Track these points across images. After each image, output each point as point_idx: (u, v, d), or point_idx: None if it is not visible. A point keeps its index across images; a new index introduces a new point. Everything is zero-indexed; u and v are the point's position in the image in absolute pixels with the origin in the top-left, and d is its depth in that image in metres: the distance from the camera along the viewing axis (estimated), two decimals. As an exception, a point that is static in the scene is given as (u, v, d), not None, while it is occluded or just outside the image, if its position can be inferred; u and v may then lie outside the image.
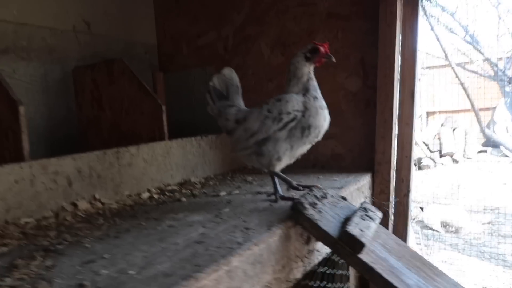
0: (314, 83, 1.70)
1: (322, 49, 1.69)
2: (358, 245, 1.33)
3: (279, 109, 1.63)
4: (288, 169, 2.35)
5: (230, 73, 1.85)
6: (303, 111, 1.63)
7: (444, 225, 7.38)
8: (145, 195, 1.99)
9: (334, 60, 1.69)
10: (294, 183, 1.76)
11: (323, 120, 1.66)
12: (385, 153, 2.33)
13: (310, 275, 1.78)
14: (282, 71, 2.66)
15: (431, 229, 7.26)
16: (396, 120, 2.36)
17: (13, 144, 1.65)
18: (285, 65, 2.55)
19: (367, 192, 2.29)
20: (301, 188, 1.75)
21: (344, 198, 1.71)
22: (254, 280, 1.24)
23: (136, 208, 1.77)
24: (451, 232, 7.21)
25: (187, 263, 1.08)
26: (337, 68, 2.50)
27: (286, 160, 1.69)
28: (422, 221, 7.55)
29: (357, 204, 2.03)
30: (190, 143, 2.42)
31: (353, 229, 1.37)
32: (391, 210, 2.37)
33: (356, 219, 1.46)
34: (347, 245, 1.35)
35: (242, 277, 1.17)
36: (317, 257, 1.61)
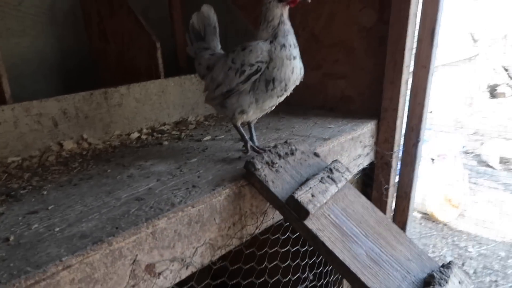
0: (285, 27, 1.51)
1: None
2: (302, 211, 1.28)
3: (242, 59, 1.50)
4: (292, 111, 2.23)
5: (208, 11, 1.70)
6: (268, 62, 1.49)
7: (504, 161, 6.86)
8: (134, 135, 2.04)
9: (309, 0, 1.47)
10: (250, 144, 1.66)
11: (289, 72, 1.51)
12: (393, 100, 2.12)
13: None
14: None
15: (487, 165, 6.79)
16: (410, 62, 2.09)
17: (-5, 88, 1.72)
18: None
19: (367, 140, 2.14)
20: (259, 150, 1.65)
21: (316, 155, 1.62)
22: (192, 239, 1.26)
23: (117, 150, 1.83)
24: (509, 170, 6.71)
25: (110, 224, 1.12)
26: (351, -2, 2.21)
27: (252, 113, 1.59)
28: (479, 155, 7.08)
29: (344, 158, 1.93)
30: (190, 80, 2.37)
31: (302, 194, 1.31)
32: (395, 162, 2.22)
33: (313, 182, 1.39)
34: (293, 211, 1.31)
35: (173, 237, 1.20)
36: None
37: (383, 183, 2.24)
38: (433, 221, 5.00)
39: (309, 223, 1.31)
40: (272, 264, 1.66)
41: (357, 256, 1.30)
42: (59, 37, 2.60)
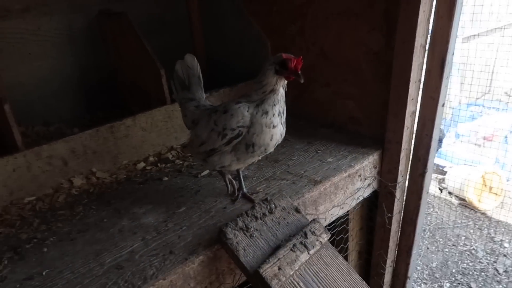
0: (276, 97, 1.50)
1: (290, 64, 1.43)
2: (266, 287, 1.35)
3: (224, 123, 1.51)
4: (300, 129, 2.46)
5: (192, 61, 1.71)
6: (248, 127, 1.49)
7: None
8: (140, 165, 2.16)
9: (302, 81, 1.43)
10: (238, 194, 1.78)
11: (268, 139, 1.51)
12: (396, 132, 2.03)
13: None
14: (304, 13, 2.34)
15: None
16: (416, 95, 1.97)
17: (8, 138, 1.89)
18: (307, 6, 2.23)
19: (368, 173, 2.10)
20: (248, 197, 1.76)
21: (298, 210, 1.64)
22: (165, 305, 1.39)
23: (120, 188, 1.97)
24: None
25: (86, 303, 1.27)
26: (358, 17, 2.09)
27: (234, 167, 1.64)
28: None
29: (340, 196, 1.93)
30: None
31: (267, 268, 1.36)
32: (399, 192, 2.16)
33: (283, 251, 1.43)
34: (259, 283, 1.37)
35: (145, 309, 1.33)
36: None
37: (386, 212, 2.21)
38: (471, 209, 4.80)
39: (275, 295, 1.37)
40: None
41: (320, 329, 1.36)
42: (78, 55, 2.72)
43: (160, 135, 2.29)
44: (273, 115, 1.50)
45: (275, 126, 1.51)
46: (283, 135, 1.58)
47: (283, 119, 1.56)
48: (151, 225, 1.64)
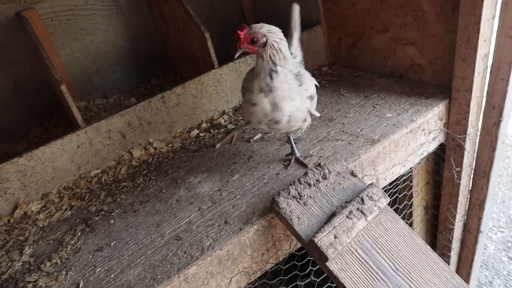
0: (257, 69, 1.47)
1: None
2: (322, 256, 1.32)
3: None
4: (356, 82, 2.30)
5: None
6: None
7: None
8: (194, 132, 2.19)
9: (235, 56, 1.44)
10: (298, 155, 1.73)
11: (250, 115, 1.53)
12: (466, 79, 1.80)
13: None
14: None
15: None
16: (489, 35, 1.71)
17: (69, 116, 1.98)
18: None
19: (433, 126, 1.92)
20: (302, 161, 1.72)
21: (353, 174, 1.56)
22: (225, 273, 1.44)
23: (176, 157, 2.02)
24: None
25: (150, 274, 1.34)
26: (418, -50, 1.81)
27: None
28: None
29: (401, 153, 1.81)
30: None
31: (323, 237, 1.33)
32: (469, 144, 1.96)
33: (338, 219, 1.38)
34: (315, 252, 1.35)
35: (206, 277, 1.39)
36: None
37: (454, 166, 2.04)
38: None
39: (332, 263, 1.35)
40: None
41: (382, 296, 1.33)
42: (127, 25, 2.73)
43: (211, 100, 2.27)
44: (253, 92, 1.46)
45: (255, 104, 1.46)
46: (261, 115, 1.50)
47: (277, 99, 1.45)
48: (206, 195, 1.67)
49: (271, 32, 1.42)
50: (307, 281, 1.94)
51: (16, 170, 1.82)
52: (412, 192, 2.20)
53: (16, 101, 2.50)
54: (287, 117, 1.49)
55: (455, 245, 2.38)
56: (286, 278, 1.82)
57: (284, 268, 1.74)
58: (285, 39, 1.46)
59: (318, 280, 1.80)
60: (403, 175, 2.04)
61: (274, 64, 1.43)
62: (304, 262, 1.83)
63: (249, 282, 1.53)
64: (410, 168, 2.04)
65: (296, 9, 1.72)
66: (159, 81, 2.92)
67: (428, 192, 2.32)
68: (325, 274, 1.40)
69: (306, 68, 1.64)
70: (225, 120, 2.25)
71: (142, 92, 2.84)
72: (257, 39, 1.41)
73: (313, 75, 1.60)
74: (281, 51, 1.43)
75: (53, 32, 2.49)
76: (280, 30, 1.46)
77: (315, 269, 1.76)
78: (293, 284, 1.77)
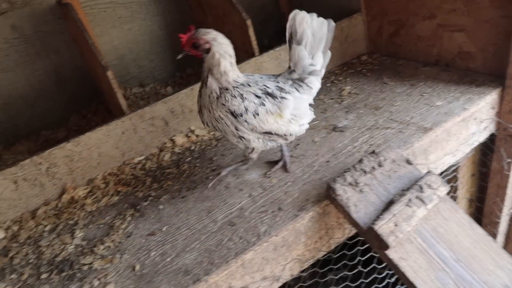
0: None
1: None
2: (382, 244, 1.29)
3: None
4: (399, 71, 2.25)
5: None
6: None
7: None
8: (235, 121, 2.17)
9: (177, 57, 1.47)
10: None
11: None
12: (523, 66, 1.74)
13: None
14: None
15: None
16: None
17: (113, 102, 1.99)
18: None
19: (485, 115, 1.86)
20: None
21: (409, 162, 1.52)
22: (279, 259, 1.42)
23: (219, 145, 2.00)
24: None
25: (207, 258, 1.33)
26: None
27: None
28: None
29: (452, 142, 1.76)
30: (285, 50, 2.30)
31: (383, 225, 1.30)
32: (522, 133, 1.90)
33: (398, 207, 1.35)
34: (375, 239, 1.32)
35: (261, 263, 1.37)
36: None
37: (504, 157, 1.98)
38: None
39: (391, 251, 1.32)
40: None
41: (445, 286, 1.29)
42: (164, 13, 2.72)
43: (251, 89, 2.25)
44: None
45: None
46: (203, 120, 1.54)
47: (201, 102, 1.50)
48: (255, 182, 1.65)
49: (217, 42, 1.38)
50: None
51: (63, 155, 1.84)
52: (458, 184, 2.14)
53: (56, 89, 2.53)
54: (206, 123, 1.52)
55: (500, 239, 2.31)
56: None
57: (335, 257, 1.72)
58: (232, 54, 1.42)
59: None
60: (452, 165, 1.98)
61: (209, 73, 1.42)
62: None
63: (301, 269, 1.51)
64: (459, 158, 1.99)
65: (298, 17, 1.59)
66: (194, 71, 2.91)
67: (473, 184, 2.26)
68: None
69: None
70: (266, 109, 2.22)
71: (178, 81, 2.83)
72: (198, 44, 1.38)
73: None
74: (219, 65, 1.39)
75: (92, 20, 2.50)
76: (229, 44, 1.41)
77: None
78: (342, 274, 1.75)
